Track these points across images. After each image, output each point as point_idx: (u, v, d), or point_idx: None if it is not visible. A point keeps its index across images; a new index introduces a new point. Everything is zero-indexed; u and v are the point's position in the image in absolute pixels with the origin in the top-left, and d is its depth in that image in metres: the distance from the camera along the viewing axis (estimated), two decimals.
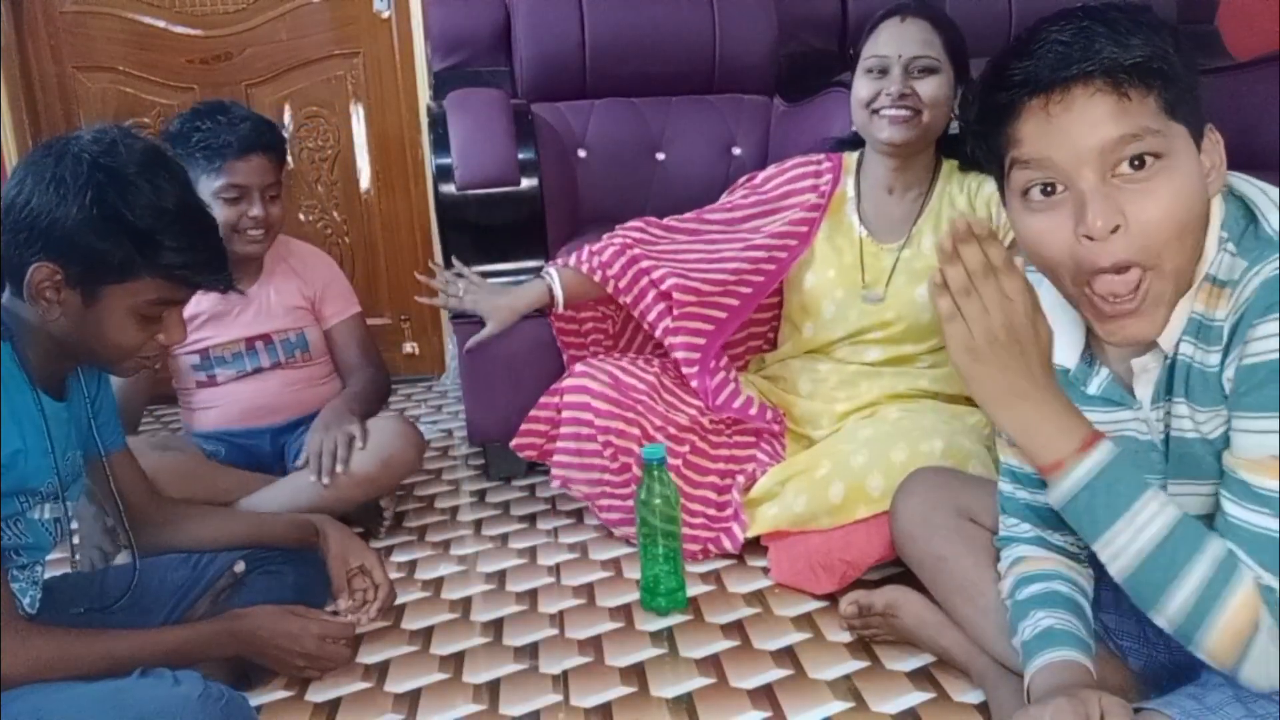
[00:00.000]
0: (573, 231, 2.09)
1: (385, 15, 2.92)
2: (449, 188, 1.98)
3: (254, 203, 1.78)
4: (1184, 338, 0.88)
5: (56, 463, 1.16)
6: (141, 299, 1.11)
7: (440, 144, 2.03)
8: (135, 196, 1.07)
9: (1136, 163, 0.82)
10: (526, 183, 1.99)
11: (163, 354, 1.20)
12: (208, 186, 1.73)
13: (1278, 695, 0.83)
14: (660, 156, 2.37)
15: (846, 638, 1.35)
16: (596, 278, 1.73)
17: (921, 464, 1.39)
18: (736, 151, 2.36)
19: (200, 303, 1.80)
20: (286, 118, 2.98)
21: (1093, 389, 0.97)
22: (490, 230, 1.98)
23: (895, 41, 1.61)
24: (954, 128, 1.63)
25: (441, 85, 2.43)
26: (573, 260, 1.76)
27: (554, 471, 1.76)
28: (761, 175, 1.83)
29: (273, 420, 1.90)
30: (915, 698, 1.20)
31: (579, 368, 1.72)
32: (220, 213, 1.67)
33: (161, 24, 2.88)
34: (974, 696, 1.18)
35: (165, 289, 1.12)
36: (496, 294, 1.80)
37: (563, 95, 2.39)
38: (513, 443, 1.81)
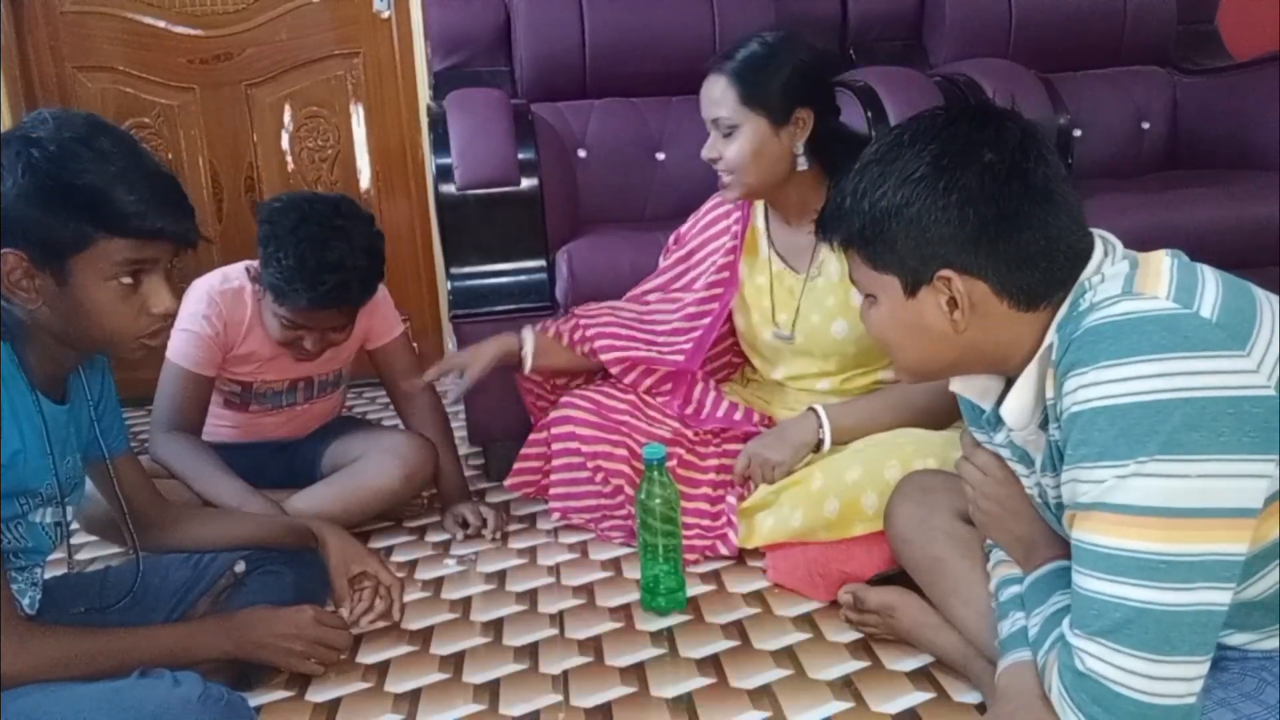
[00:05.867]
0: (573, 231, 2.09)
1: (385, 15, 2.92)
2: (449, 188, 1.97)
3: (312, 338, 1.72)
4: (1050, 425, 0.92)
5: (55, 465, 1.16)
6: (109, 262, 1.07)
7: (440, 144, 2.03)
8: (71, 161, 1.04)
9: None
10: (526, 183, 1.99)
11: (163, 329, 1.16)
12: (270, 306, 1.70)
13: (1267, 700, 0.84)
14: (660, 156, 2.37)
15: (846, 638, 1.35)
16: (550, 333, 1.74)
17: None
18: None
19: (256, 344, 1.78)
20: (286, 118, 2.98)
21: (1000, 438, 1.04)
22: (490, 230, 1.98)
23: (704, 102, 1.58)
24: (802, 164, 1.58)
25: (441, 85, 2.43)
26: (538, 327, 1.76)
27: (551, 504, 1.77)
28: (686, 226, 1.82)
29: (277, 437, 1.92)
30: (915, 698, 1.20)
31: (563, 399, 1.73)
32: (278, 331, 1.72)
33: (161, 24, 2.88)
34: (974, 697, 1.18)
35: (130, 248, 1.08)
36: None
37: (563, 95, 2.39)
38: (507, 482, 1.83)
